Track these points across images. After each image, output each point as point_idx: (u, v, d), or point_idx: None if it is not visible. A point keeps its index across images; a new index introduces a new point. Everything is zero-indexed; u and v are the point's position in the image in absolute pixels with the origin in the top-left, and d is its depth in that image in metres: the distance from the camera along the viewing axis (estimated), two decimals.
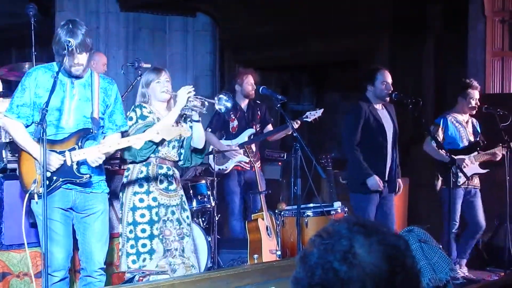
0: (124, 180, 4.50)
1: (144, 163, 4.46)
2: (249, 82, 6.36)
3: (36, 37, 5.04)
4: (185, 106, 4.36)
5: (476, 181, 5.86)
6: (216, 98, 4.50)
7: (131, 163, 4.51)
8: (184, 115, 4.52)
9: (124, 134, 4.18)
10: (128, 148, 4.30)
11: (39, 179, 3.74)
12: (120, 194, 4.50)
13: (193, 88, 4.41)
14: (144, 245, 4.37)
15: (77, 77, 3.85)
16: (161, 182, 4.46)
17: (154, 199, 4.42)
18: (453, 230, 5.75)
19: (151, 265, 4.35)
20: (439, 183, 5.85)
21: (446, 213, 5.58)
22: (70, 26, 3.71)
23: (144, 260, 4.36)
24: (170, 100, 4.55)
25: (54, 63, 3.87)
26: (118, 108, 4.04)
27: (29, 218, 4.04)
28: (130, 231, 4.39)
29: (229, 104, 4.50)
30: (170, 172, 4.51)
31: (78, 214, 3.92)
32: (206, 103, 4.47)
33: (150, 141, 4.16)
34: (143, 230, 4.38)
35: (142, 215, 4.39)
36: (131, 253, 4.37)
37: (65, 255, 3.84)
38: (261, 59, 9.38)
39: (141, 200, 4.40)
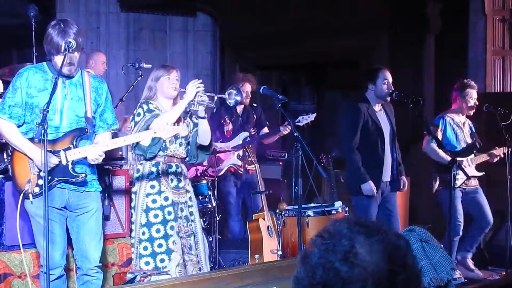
0: (136, 182, 4.52)
1: (153, 163, 4.48)
2: (244, 90, 6.38)
3: (36, 38, 5.05)
4: (192, 101, 4.37)
5: (474, 182, 5.85)
6: (227, 93, 4.59)
7: (139, 163, 4.53)
8: (190, 112, 4.54)
9: (118, 132, 4.20)
10: (138, 145, 4.35)
11: (33, 179, 3.75)
12: (133, 196, 4.52)
13: (202, 84, 4.42)
14: (160, 245, 4.40)
15: (68, 77, 3.86)
16: (172, 180, 4.49)
17: (166, 198, 4.45)
18: (460, 233, 5.74)
19: (172, 265, 4.38)
20: (436, 184, 5.84)
21: (446, 215, 5.57)
22: (62, 25, 3.73)
23: (162, 261, 4.38)
24: (177, 97, 4.58)
25: (45, 63, 3.89)
26: (109, 107, 4.06)
27: (26, 219, 4.04)
28: (143, 233, 4.41)
29: (238, 98, 4.66)
30: (179, 170, 4.56)
31: (71, 212, 3.93)
32: (215, 98, 4.52)
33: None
34: (158, 230, 4.41)
35: (156, 216, 4.42)
36: (144, 255, 4.40)
37: (60, 253, 3.86)
38: (261, 58, 9.40)
39: (154, 201, 4.44)
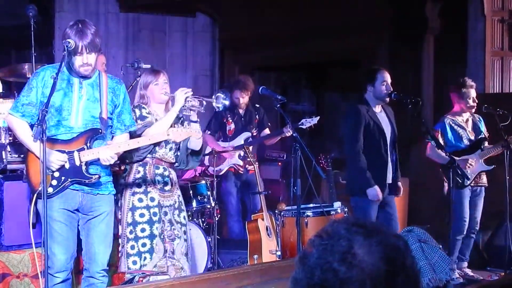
0: (122, 181, 4.50)
1: (140, 163, 4.46)
2: (238, 96, 6.41)
3: (35, 38, 5.04)
4: (183, 106, 4.36)
5: (484, 179, 5.84)
6: (214, 97, 4.50)
7: (127, 164, 4.51)
8: (182, 118, 4.51)
9: (132, 134, 4.18)
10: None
11: (48, 179, 3.73)
12: (118, 195, 4.49)
13: (190, 89, 4.41)
14: (144, 245, 4.37)
15: (85, 77, 3.85)
16: (158, 182, 4.47)
17: (152, 199, 4.42)
18: (464, 232, 5.73)
19: (150, 265, 4.35)
20: (446, 186, 5.80)
21: (455, 216, 5.58)
22: (80, 26, 3.72)
23: (144, 259, 4.36)
24: (168, 102, 4.55)
25: (62, 63, 3.87)
26: (127, 108, 4.04)
27: (32, 219, 4.03)
28: (130, 232, 4.39)
29: (226, 102, 4.51)
30: (166, 173, 4.52)
31: (84, 215, 3.92)
32: (204, 102, 4.47)
33: None
34: (143, 230, 4.39)
35: (142, 215, 4.40)
36: (131, 254, 4.37)
37: (67, 256, 3.83)
38: (260, 59, 9.39)
39: (140, 200, 4.41)
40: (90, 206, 3.90)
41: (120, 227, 4.48)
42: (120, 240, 4.48)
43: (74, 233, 3.90)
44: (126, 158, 4.46)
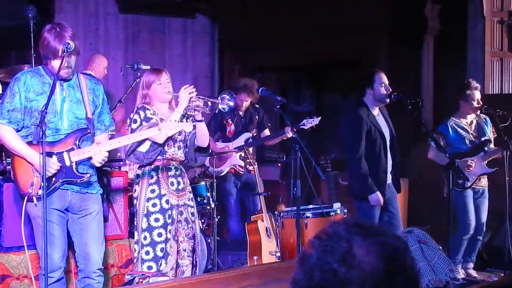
0: (136, 187, 4.51)
1: (152, 167, 4.46)
2: (241, 99, 6.42)
3: (35, 39, 5.04)
4: (187, 106, 4.36)
5: (484, 181, 5.83)
6: (219, 98, 4.52)
7: (139, 168, 4.51)
8: (187, 115, 4.52)
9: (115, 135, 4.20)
10: (133, 151, 4.32)
11: (36, 181, 3.74)
12: (134, 201, 4.52)
13: (194, 89, 4.41)
14: (162, 249, 4.38)
15: (65, 79, 3.87)
16: (172, 184, 4.48)
17: (167, 201, 4.43)
18: (470, 232, 5.74)
19: (167, 268, 4.36)
20: (446, 187, 5.80)
21: (459, 216, 5.59)
22: (58, 29, 3.75)
23: (161, 264, 4.37)
24: (171, 100, 4.55)
25: (40, 67, 3.91)
26: (105, 108, 4.08)
27: (29, 221, 4.04)
28: (145, 238, 4.40)
29: (231, 103, 4.53)
30: (178, 172, 4.54)
31: (73, 215, 3.92)
32: (209, 103, 4.49)
33: (154, 143, 4.19)
34: (160, 234, 4.40)
35: (157, 220, 4.41)
36: (146, 260, 4.38)
37: (60, 255, 3.85)
38: (260, 59, 9.39)
39: (154, 205, 4.43)
40: (79, 205, 3.91)
41: (135, 233, 4.49)
42: (136, 246, 4.48)
43: (65, 232, 3.91)
44: (135, 161, 4.46)
